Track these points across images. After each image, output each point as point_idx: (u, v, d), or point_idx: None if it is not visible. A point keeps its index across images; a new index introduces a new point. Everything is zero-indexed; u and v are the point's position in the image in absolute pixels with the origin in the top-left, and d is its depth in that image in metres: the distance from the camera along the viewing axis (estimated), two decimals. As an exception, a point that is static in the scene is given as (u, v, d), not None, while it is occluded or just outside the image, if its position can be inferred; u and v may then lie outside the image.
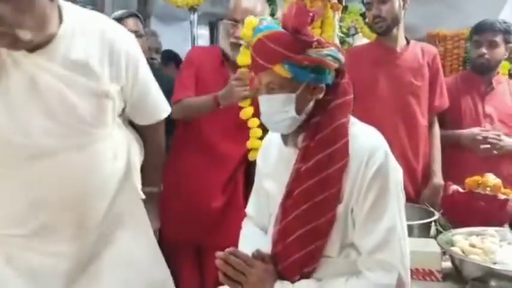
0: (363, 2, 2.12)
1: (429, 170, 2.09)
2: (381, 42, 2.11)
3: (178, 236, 1.92)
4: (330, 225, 1.07)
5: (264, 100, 1.12)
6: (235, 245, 1.87)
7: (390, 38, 2.06)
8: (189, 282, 1.98)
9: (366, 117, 1.19)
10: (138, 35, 2.15)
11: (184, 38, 3.89)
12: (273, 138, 1.27)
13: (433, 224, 1.67)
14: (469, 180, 1.81)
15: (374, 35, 2.22)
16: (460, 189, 1.82)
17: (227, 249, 1.12)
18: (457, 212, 1.76)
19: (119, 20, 2.14)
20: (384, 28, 2.01)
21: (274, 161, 1.23)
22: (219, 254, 1.11)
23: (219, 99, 1.78)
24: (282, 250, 1.12)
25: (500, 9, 2.79)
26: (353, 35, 3.63)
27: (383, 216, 1.05)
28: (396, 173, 1.10)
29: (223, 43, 1.96)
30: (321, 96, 1.11)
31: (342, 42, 2.76)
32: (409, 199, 1.16)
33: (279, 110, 1.09)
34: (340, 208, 1.07)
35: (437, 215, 1.70)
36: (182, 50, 3.51)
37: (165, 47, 3.12)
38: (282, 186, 1.14)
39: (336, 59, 1.08)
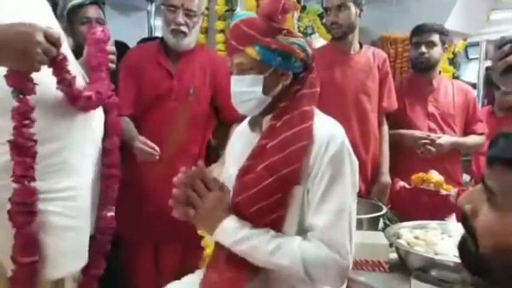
0: (321, 5, 2.19)
1: (378, 167, 2.21)
2: (336, 45, 2.21)
3: (136, 234, 1.91)
4: (291, 198, 1.12)
5: (234, 80, 1.20)
6: (193, 242, 1.87)
7: (345, 42, 2.18)
8: (146, 280, 1.97)
9: (323, 112, 1.25)
10: (101, 22, 2.09)
11: (141, 28, 3.80)
12: (240, 128, 1.33)
13: (381, 218, 1.76)
14: (414, 177, 1.93)
15: (330, 36, 2.31)
16: (407, 186, 1.93)
17: (194, 167, 1.13)
18: (403, 206, 1.86)
19: (80, 6, 2.07)
20: (339, 34, 2.14)
21: (239, 147, 1.28)
22: (183, 170, 1.13)
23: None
24: (245, 217, 1.13)
25: (448, 14, 2.95)
26: (310, 34, 3.70)
27: (336, 198, 1.10)
28: (352, 162, 1.15)
29: (164, 32, 1.94)
30: (287, 82, 1.18)
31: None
32: (359, 194, 1.22)
33: (247, 89, 1.17)
34: (299, 189, 1.12)
35: (385, 210, 1.79)
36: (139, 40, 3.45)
37: (120, 37, 3.03)
38: None
39: (303, 49, 1.17)
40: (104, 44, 1.39)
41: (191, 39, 1.94)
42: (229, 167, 1.31)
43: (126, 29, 3.24)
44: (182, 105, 1.91)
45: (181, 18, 1.86)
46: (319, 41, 3.69)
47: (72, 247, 1.27)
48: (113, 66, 1.43)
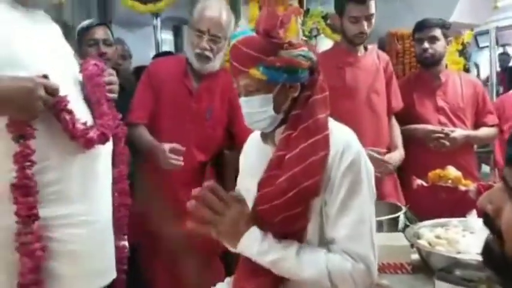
0: (337, 10, 2.17)
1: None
2: (343, 47, 2.20)
3: (153, 245, 1.92)
4: (311, 210, 1.11)
5: (243, 102, 1.18)
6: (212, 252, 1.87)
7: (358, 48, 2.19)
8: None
9: (336, 113, 1.23)
10: (108, 43, 2.13)
11: (148, 43, 3.84)
12: (254, 136, 1.31)
13: (400, 218, 1.75)
14: (431, 174, 1.90)
15: (335, 35, 2.31)
16: (424, 183, 1.90)
17: (206, 184, 1.12)
18: (422, 205, 1.84)
19: (88, 28, 2.11)
20: (363, 41, 2.17)
21: (253, 158, 1.27)
22: (195, 190, 1.10)
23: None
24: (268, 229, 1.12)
25: (454, 6, 2.93)
26: (315, 36, 3.70)
27: (355, 209, 1.09)
28: (368, 170, 1.14)
29: (188, 53, 1.96)
30: (296, 94, 1.16)
31: (305, 44, 2.81)
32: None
33: (257, 110, 1.16)
34: (317, 201, 1.11)
35: (404, 209, 1.78)
36: (147, 56, 3.49)
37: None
38: None
39: (307, 58, 1.14)
40: (98, 77, 1.35)
41: (215, 64, 1.95)
42: (244, 179, 1.32)
43: (133, 44, 3.28)
44: (197, 127, 1.92)
45: (206, 43, 1.87)
46: (325, 42, 3.69)
47: (76, 272, 1.26)
48: (114, 96, 1.40)
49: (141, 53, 3.46)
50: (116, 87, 1.42)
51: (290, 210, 1.09)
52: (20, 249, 1.15)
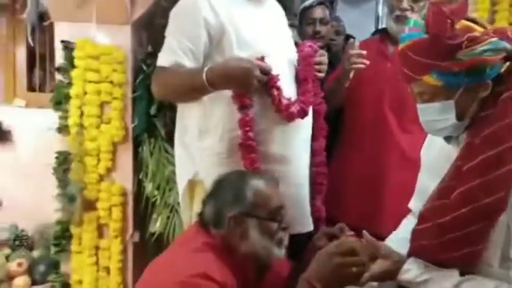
0: None
1: None
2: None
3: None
4: (489, 232, 0.96)
5: (421, 110, 1.05)
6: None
7: None
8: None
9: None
10: (324, 22, 2.32)
11: (369, 18, 3.92)
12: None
13: None
14: None
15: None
16: None
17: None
18: None
19: (308, 8, 2.34)
20: None
21: (434, 155, 1.18)
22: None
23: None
24: (428, 248, 1.04)
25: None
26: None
27: None
28: None
29: (387, 20, 1.90)
30: (487, 92, 0.99)
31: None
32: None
33: (437, 118, 1.02)
34: (503, 216, 0.96)
35: None
36: (366, 31, 3.57)
37: (350, 29, 3.22)
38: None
39: (497, 50, 0.95)
40: (310, 58, 1.53)
41: None
42: (423, 174, 1.22)
43: (355, 20, 3.41)
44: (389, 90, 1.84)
45: (406, 3, 1.79)
46: None
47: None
48: (321, 75, 1.56)
49: (362, 28, 3.56)
50: (324, 67, 1.57)
51: (460, 230, 0.97)
52: None
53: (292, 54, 1.57)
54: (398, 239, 1.22)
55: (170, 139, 1.78)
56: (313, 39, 2.08)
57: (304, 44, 1.58)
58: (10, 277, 2.13)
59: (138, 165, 2.02)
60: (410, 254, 1.08)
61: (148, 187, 1.99)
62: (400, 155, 1.79)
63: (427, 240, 1.03)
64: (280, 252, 1.19)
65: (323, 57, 1.56)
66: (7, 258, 2.19)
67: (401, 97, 1.75)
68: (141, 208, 2.04)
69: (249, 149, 1.41)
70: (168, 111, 1.95)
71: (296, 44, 1.65)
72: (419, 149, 1.27)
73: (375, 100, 1.83)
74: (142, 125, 1.99)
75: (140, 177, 2.02)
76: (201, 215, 1.23)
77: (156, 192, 1.98)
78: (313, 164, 1.61)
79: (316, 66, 1.54)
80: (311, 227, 1.57)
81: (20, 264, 2.14)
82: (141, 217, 2.05)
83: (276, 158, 1.47)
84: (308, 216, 1.58)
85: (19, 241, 2.27)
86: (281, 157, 1.48)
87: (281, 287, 1.26)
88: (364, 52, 1.68)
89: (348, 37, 3.34)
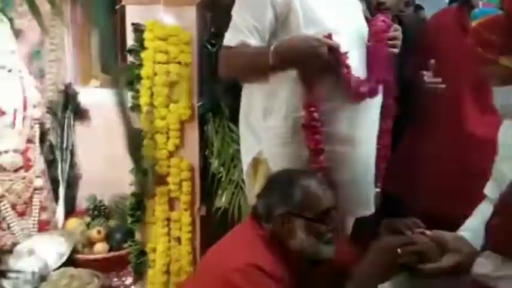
0: None
1: None
2: None
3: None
4: None
5: (496, 92, 1.01)
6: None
7: None
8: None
9: None
10: None
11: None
12: None
13: None
14: None
15: None
16: None
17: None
18: None
19: None
20: None
21: (510, 141, 1.10)
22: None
23: None
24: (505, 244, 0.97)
25: None
26: None
27: None
28: None
29: None
30: None
31: None
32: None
33: None
34: None
35: None
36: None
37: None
38: None
39: None
40: (383, 33, 1.45)
41: None
42: (499, 160, 1.13)
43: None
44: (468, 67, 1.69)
45: None
46: None
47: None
48: (395, 50, 1.46)
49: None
50: (398, 42, 1.48)
51: None
52: None
53: (363, 30, 1.50)
54: (474, 228, 1.16)
55: (235, 118, 1.82)
56: (378, 11, 2.00)
57: (377, 19, 1.49)
58: (91, 243, 2.33)
59: (204, 143, 2.11)
60: (485, 248, 1.02)
61: (214, 164, 2.08)
62: (477, 137, 1.69)
63: (504, 236, 0.97)
64: (329, 251, 1.23)
65: (397, 32, 1.48)
66: (88, 225, 2.39)
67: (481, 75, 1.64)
68: (207, 184, 2.14)
69: (313, 129, 1.39)
70: (232, 90, 1.99)
71: (367, 19, 1.58)
72: (496, 131, 1.19)
73: (451, 78, 1.69)
74: (208, 105, 2.07)
75: (206, 154, 2.11)
76: (254, 208, 1.28)
77: (221, 169, 2.07)
78: (378, 145, 1.55)
79: (390, 42, 1.46)
80: (372, 210, 1.56)
81: (99, 232, 2.33)
82: (208, 192, 2.15)
83: (343, 139, 1.44)
84: (372, 199, 1.56)
85: (97, 211, 2.45)
86: (348, 138, 1.44)
87: (340, 272, 1.26)
88: (440, 79, 1.61)
89: (417, 8, 3.18)
